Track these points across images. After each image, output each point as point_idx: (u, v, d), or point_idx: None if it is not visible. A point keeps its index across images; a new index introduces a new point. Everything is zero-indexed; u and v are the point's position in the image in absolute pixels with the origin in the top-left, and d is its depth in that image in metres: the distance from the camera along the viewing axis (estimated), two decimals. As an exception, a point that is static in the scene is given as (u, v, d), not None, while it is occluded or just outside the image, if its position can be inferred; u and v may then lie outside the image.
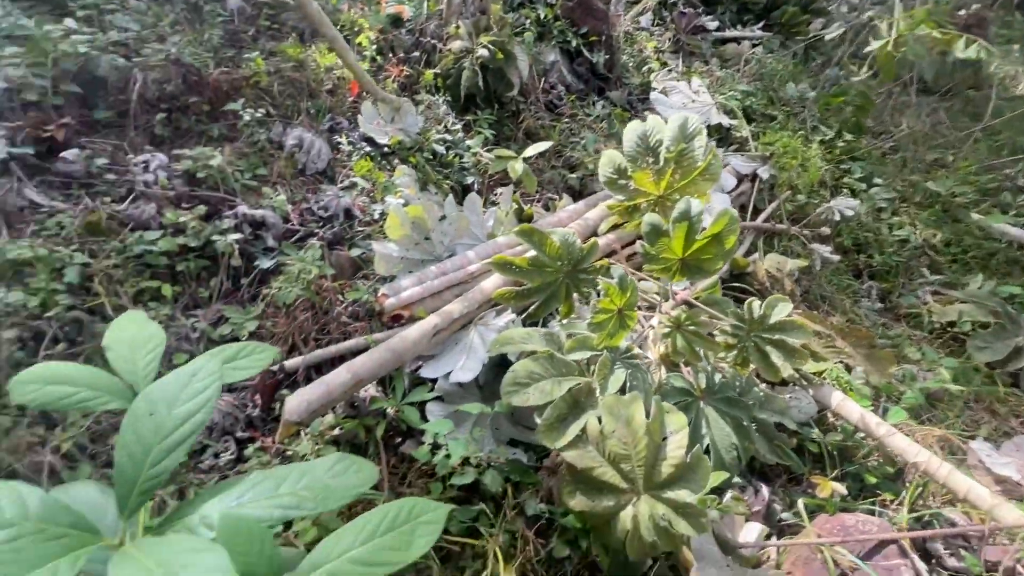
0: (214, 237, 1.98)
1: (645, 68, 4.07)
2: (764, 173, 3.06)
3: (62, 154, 2.09)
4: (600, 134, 3.35)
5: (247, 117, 2.41)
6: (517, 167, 2.54)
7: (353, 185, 2.36)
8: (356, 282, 2.16)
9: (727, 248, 1.67)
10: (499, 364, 1.98)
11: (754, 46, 4.87)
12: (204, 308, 1.98)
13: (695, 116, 3.08)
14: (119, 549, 0.67)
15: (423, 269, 2.23)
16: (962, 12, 4.89)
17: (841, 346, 2.27)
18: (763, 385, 1.94)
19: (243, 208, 2.13)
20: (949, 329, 2.53)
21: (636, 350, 1.89)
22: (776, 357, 1.82)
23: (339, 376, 1.57)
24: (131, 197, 2.09)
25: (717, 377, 1.82)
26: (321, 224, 2.32)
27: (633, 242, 2.55)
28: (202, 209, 2.07)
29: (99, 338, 1.76)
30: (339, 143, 2.62)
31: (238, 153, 2.42)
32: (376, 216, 2.35)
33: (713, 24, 4.90)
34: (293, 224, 2.30)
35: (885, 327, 2.63)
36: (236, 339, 1.90)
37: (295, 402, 1.50)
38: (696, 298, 2.11)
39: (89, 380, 0.93)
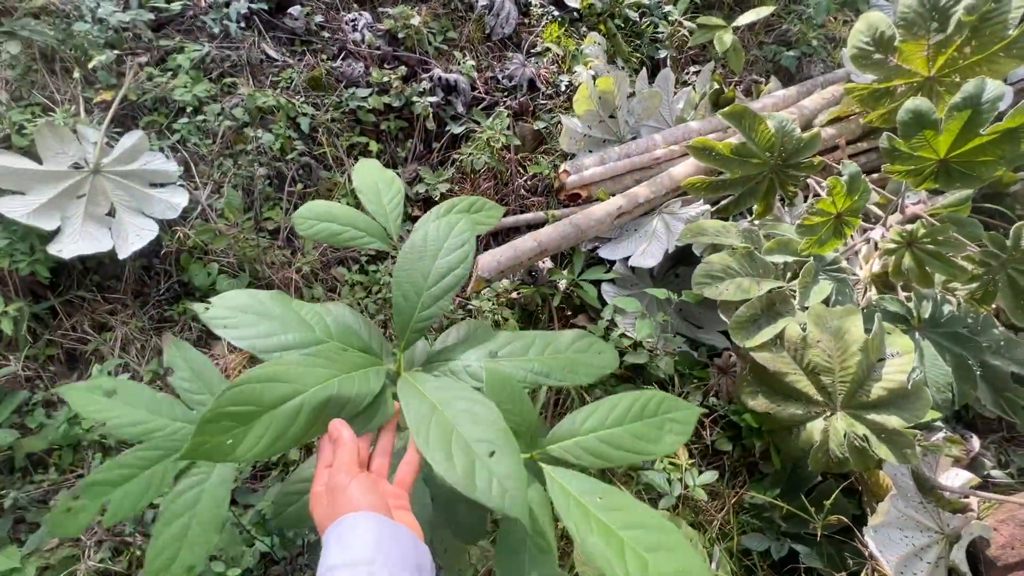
0: (413, 99, 2.06)
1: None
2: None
3: (289, 10, 2.27)
4: (832, 0, 2.70)
5: (442, -26, 2.35)
6: (725, 39, 2.19)
7: (543, 51, 2.24)
8: (537, 156, 2.14)
9: (1022, 150, 1.29)
10: (675, 257, 1.89)
11: None
12: (402, 167, 2.14)
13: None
14: (400, 377, 0.73)
15: (605, 149, 2.13)
16: None
17: None
18: (1003, 329, 1.60)
19: (437, 71, 2.17)
20: None
21: (844, 263, 1.66)
22: None
23: (526, 242, 1.62)
24: (342, 55, 2.23)
25: (946, 308, 1.54)
26: (507, 93, 2.29)
27: (861, 138, 2.13)
28: (403, 70, 2.14)
29: (324, 182, 2.02)
30: (528, 4, 2.46)
31: (432, 14, 2.41)
32: (562, 88, 2.24)
33: None
34: (480, 91, 2.29)
35: None
36: (429, 199, 2.05)
37: (487, 260, 1.59)
38: (933, 216, 1.74)
39: (352, 220, 1.02)
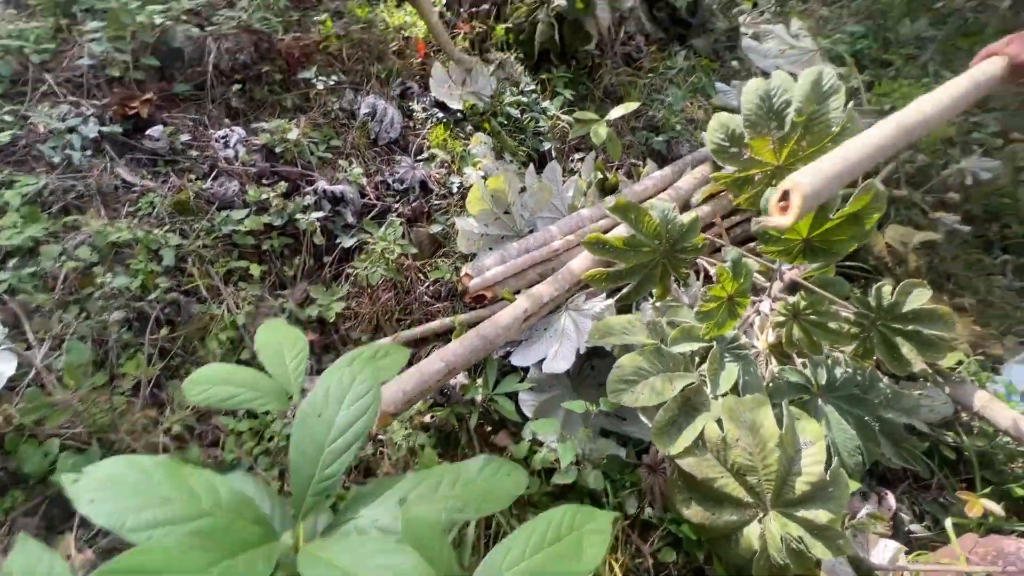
0: (296, 216, 1.93)
1: (734, 10, 3.61)
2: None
3: (148, 131, 2.08)
4: (686, 90, 3.02)
5: (320, 86, 2.31)
6: (600, 132, 2.32)
7: (430, 157, 2.23)
8: (437, 260, 2.07)
9: (867, 229, 1.43)
10: (589, 351, 1.86)
11: (861, -23, 4.23)
12: (290, 287, 1.96)
13: (804, 67, 2.70)
14: (302, 549, 0.66)
15: (504, 246, 2.11)
16: None
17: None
18: (887, 380, 1.72)
19: (322, 184, 2.07)
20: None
21: (743, 339, 1.71)
22: (908, 350, 1.60)
23: (432, 364, 1.50)
24: (214, 174, 2.07)
25: (838, 371, 1.62)
26: (398, 198, 2.23)
27: (734, 212, 2.31)
28: (283, 186, 2.02)
29: (197, 318, 1.78)
30: (411, 110, 2.48)
31: (312, 124, 2.34)
32: (453, 189, 2.23)
33: (812, -47, 4.27)
34: (370, 199, 2.22)
35: (1017, 308, 2.29)
36: (322, 321, 1.88)
37: (391, 390, 1.44)
38: (807, 279, 1.88)
39: (250, 382, 0.93)
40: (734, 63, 3.46)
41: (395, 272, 1.91)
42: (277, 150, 2.15)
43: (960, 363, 1.82)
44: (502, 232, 2.15)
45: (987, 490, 1.51)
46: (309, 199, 2.02)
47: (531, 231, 2.22)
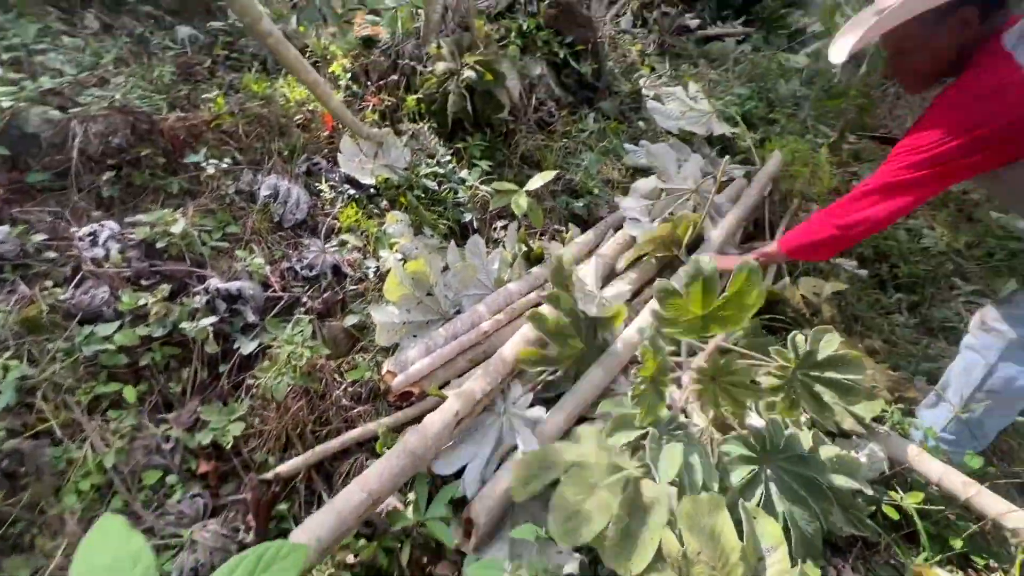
0: (183, 325, 1.66)
1: (636, 75, 3.83)
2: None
3: (-12, 234, 1.74)
4: (599, 152, 3.10)
5: (211, 169, 2.08)
6: (521, 202, 2.27)
7: (342, 244, 2.05)
8: (355, 357, 1.86)
9: (751, 305, 1.45)
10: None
11: (739, 43, 4.71)
12: (177, 409, 1.66)
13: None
14: None
15: (429, 332, 1.95)
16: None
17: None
18: (827, 444, 1.71)
19: (215, 281, 1.81)
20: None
21: (682, 417, 1.65)
22: (829, 397, 1.61)
23: (352, 497, 1.28)
24: (77, 279, 1.75)
25: (780, 435, 1.59)
26: (307, 287, 2.02)
27: (660, 272, 2.31)
28: (165, 288, 1.74)
29: (51, 465, 1.44)
30: (318, 188, 2.30)
31: (203, 211, 2.09)
32: (370, 273, 2.05)
33: (695, 22, 4.71)
34: (275, 290, 1.98)
35: (920, 344, 2.45)
36: (218, 446, 1.59)
37: (301, 539, 1.20)
38: (735, 343, 1.89)
39: None
40: (640, 123, 3.63)
41: (305, 378, 1.68)
42: (159, 245, 1.87)
43: (884, 411, 1.87)
44: (426, 317, 2.00)
45: (937, 558, 1.51)
46: (199, 300, 1.76)
47: (457, 311, 2.08)
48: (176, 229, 1.85)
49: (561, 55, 3.38)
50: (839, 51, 1.50)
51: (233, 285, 1.82)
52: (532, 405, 1.68)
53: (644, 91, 3.78)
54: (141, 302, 1.69)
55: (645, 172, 3.16)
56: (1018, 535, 1.42)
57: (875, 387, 1.98)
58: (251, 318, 1.83)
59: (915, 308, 2.68)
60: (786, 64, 3.97)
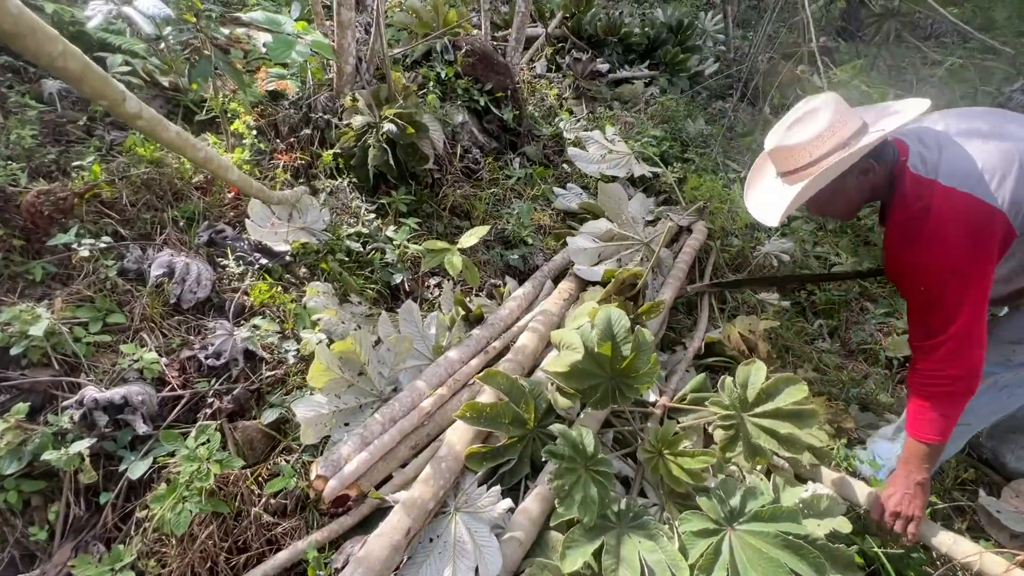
0: (46, 455, 1.32)
1: (556, 119, 3.88)
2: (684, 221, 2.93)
3: None
4: (528, 200, 3.05)
5: (84, 251, 1.75)
6: (455, 262, 2.13)
7: (253, 328, 1.78)
8: (275, 461, 1.59)
9: (652, 362, 1.43)
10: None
11: (646, 85, 4.96)
12: (42, 562, 1.31)
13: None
14: None
15: (363, 419, 1.73)
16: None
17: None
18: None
19: (90, 391, 1.49)
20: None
21: (638, 501, 1.56)
22: (768, 443, 1.61)
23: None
24: None
25: (737, 495, 1.52)
26: (216, 379, 1.72)
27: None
28: (22, 407, 1.40)
29: None
30: (223, 262, 2.02)
31: (76, 300, 1.75)
32: (289, 356, 1.80)
33: (605, 67, 4.92)
34: (174, 385, 1.67)
35: (845, 370, 2.56)
36: (100, 608, 1.26)
37: None
38: (681, 400, 1.85)
39: None
40: (565, 166, 3.65)
41: (214, 502, 1.39)
42: (14, 351, 1.52)
43: (831, 448, 1.89)
44: (359, 400, 1.77)
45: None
46: (68, 417, 1.43)
47: (394, 389, 1.88)
48: (38, 329, 1.51)
49: (482, 102, 3.35)
50: (772, 216, 1.46)
51: (117, 392, 1.50)
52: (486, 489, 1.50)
53: (565, 134, 3.83)
54: (-12, 429, 1.34)
55: (574, 216, 3.17)
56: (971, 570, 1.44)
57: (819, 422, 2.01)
58: (142, 428, 1.52)
59: (834, 332, 2.82)
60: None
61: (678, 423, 1.80)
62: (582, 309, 1.70)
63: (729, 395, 1.65)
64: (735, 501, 1.52)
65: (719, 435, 1.68)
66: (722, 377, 1.71)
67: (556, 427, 1.45)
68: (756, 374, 1.66)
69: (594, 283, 2.34)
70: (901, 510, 1.47)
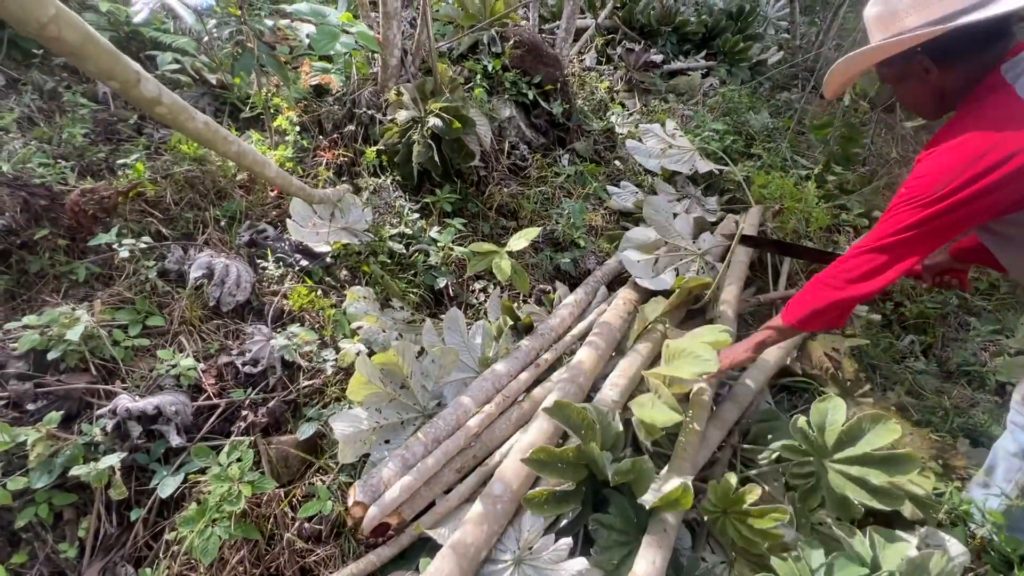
0: (75, 470, 1.25)
1: (607, 113, 3.67)
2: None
3: None
4: (580, 200, 2.86)
5: (124, 252, 1.70)
6: (504, 266, 1.98)
7: (291, 336, 1.68)
8: (312, 479, 1.48)
9: None
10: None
11: (704, 76, 4.66)
12: (70, 581, 1.24)
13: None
14: None
15: (405, 436, 1.60)
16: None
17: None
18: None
19: (124, 399, 1.42)
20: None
21: (704, 560, 1.34)
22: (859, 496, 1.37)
23: None
24: (-66, 412, 1.33)
25: (821, 558, 1.28)
26: (252, 386, 1.63)
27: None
28: (55, 416, 1.34)
29: None
30: (263, 264, 1.94)
31: (116, 301, 1.70)
32: (328, 367, 1.69)
33: (659, 57, 4.64)
34: (210, 394, 1.60)
35: (946, 395, 2.22)
36: (124, 640, 1.17)
37: None
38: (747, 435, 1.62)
39: None
40: (617, 163, 3.44)
41: (245, 527, 1.29)
42: (53, 355, 1.47)
43: (940, 493, 1.61)
44: (402, 416, 1.64)
45: None
46: (101, 427, 1.36)
47: (439, 404, 1.74)
48: (74, 333, 1.45)
49: (530, 95, 3.18)
50: (828, 88, 1.42)
51: (150, 402, 1.42)
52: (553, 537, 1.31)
53: (617, 128, 3.61)
54: (21, 438, 1.28)
55: (629, 215, 2.96)
56: None
57: (922, 460, 1.72)
58: (175, 440, 1.44)
59: (928, 351, 2.49)
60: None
61: (744, 471, 1.59)
62: (682, 345, 1.48)
63: (804, 439, 1.46)
64: (817, 561, 1.28)
65: (795, 483, 1.48)
66: (793, 418, 1.50)
67: (612, 496, 1.27)
68: (834, 413, 1.48)
69: (656, 292, 2.12)
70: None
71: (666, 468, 1.47)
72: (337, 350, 1.72)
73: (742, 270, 2.38)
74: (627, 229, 2.71)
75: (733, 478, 1.38)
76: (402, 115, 2.45)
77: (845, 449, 1.44)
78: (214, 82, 2.61)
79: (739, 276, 2.32)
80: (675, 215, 2.45)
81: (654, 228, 2.32)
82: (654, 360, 1.87)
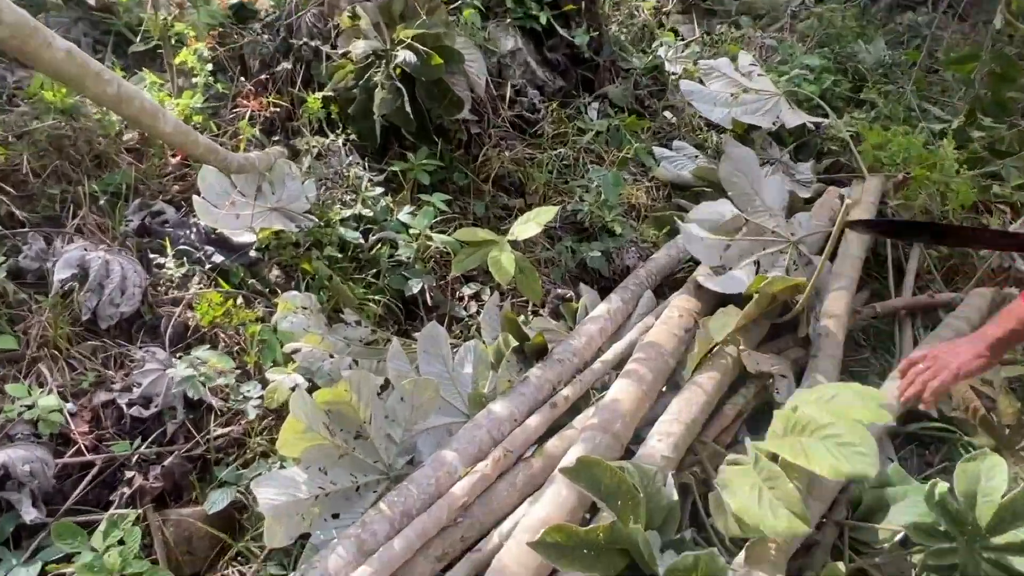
0: None
1: (656, 44, 3.71)
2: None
3: None
4: (609, 163, 2.87)
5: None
6: (504, 263, 1.98)
7: (197, 363, 1.68)
8: (226, 572, 1.48)
9: None
10: None
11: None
12: None
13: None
14: None
15: (362, 509, 1.61)
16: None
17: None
18: None
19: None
20: None
21: None
22: None
23: None
24: None
25: None
26: (139, 435, 1.65)
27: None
28: None
29: None
30: (159, 260, 1.96)
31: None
32: (250, 407, 1.70)
33: (727, -35, 4.70)
34: (81, 447, 1.61)
35: None
36: None
37: None
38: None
39: None
40: (667, 114, 3.47)
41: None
42: None
43: None
44: (356, 478, 1.65)
45: None
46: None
47: (410, 461, 1.76)
48: None
49: (542, 19, 3.26)
50: None
51: (-8, 460, 1.42)
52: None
53: (668, 66, 3.65)
54: None
55: (685, 189, 2.97)
56: None
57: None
58: (30, 515, 1.44)
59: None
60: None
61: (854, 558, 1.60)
62: (816, 415, 1.45)
63: (944, 514, 1.47)
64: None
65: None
66: (929, 483, 1.51)
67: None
68: (990, 476, 1.50)
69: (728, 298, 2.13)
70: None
71: (742, 555, 1.45)
72: (264, 383, 1.75)
73: (854, 268, 2.40)
74: (682, 209, 2.73)
75: (841, 569, 1.36)
76: (359, 47, 2.50)
77: (1007, 530, 1.44)
78: (93, 2, 2.66)
79: (850, 277, 2.34)
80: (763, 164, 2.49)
81: (734, 197, 2.34)
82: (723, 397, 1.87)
